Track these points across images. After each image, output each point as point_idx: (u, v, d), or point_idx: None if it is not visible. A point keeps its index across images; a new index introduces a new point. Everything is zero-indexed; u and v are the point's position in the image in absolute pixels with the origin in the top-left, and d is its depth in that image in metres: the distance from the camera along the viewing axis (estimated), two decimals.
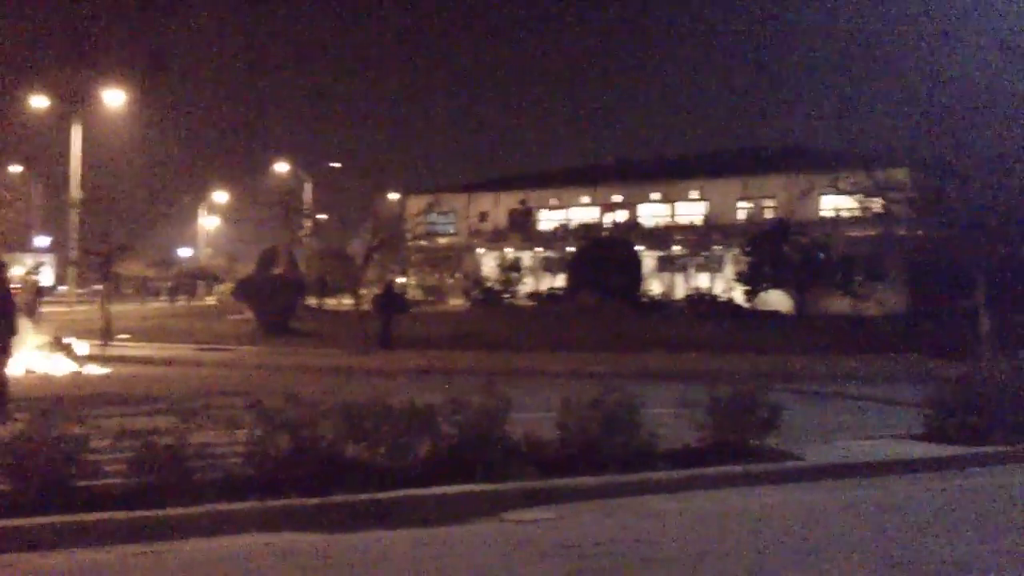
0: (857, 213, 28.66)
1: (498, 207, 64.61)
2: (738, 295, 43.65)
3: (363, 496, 6.72)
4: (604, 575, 5.59)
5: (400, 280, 41.90)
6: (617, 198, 60.88)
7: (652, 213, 60.12)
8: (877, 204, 22.19)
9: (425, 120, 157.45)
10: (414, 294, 45.62)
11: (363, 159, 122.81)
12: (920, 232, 23.77)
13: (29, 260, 45.54)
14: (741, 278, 42.92)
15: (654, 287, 51.87)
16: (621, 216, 60.64)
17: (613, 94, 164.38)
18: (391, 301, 23.94)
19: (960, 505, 7.73)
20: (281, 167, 54.28)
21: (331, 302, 38.62)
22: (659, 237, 56.13)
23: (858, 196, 23.20)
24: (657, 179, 59.31)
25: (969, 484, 8.48)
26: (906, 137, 20.19)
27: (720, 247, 53.60)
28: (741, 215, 55.84)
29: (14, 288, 14.49)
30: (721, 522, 6.90)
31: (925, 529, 6.82)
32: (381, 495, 6.77)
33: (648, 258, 52.36)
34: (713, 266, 54.67)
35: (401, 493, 6.84)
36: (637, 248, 47.84)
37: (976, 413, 9.78)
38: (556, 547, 6.10)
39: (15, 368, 15.91)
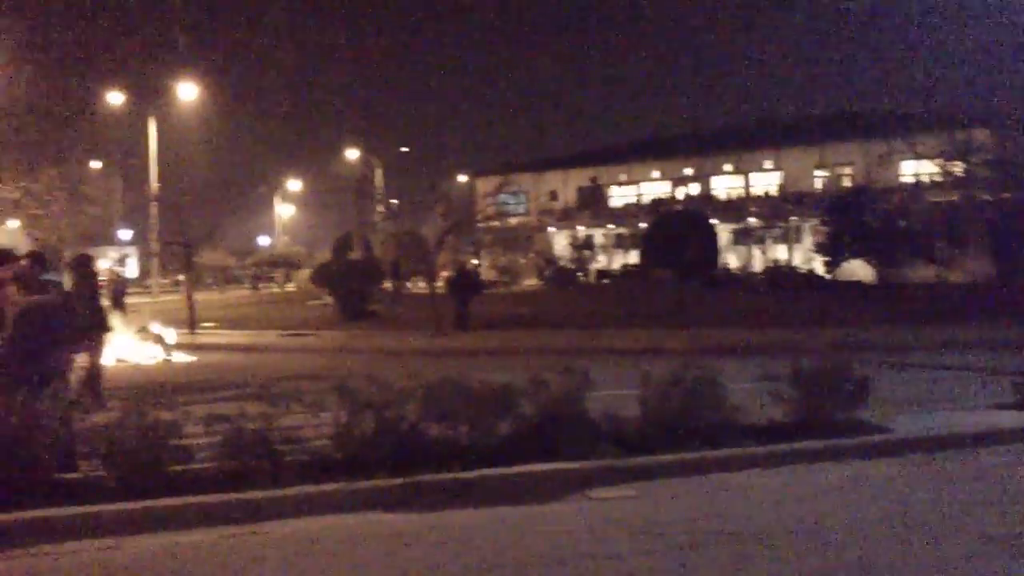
0: (938, 178, 27.77)
1: (568, 185, 64.40)
2: (818, 266, 42.78)
3: (447, 475, 6.78)
4: (692, 551, 5.54)
5: (472, 262, 42.14)
6: (689, 171, 60.13)
7: (726, 185, 59.24)
8: (958, 168, 21.45)
9: (491, 100, 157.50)
10: (487, 275, 45.84)
11: (431, 143, 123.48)
12: (1005, 195, 22.93)
13: (113, 253, 47.06)
14: (820, 249, 41.98)
15: (730, 261, 51.18)
16: (693, 189, 59.88)
17: (681, 65, 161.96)
18: (466, 283, 24.06)
19: None
20: (352, 153, 54.94)
21: (405, 286, 39.08)
22: (734, 209, 55.32)
23: (938, 160, 22.46)
24: (730, 150, 58.38)
25: None
26: (988, 97, 19.48)
27: (797, 218, 52.53)
28: (818, 184, 54.64)
29: (100, 281, 15.05)
30: (809, 498, 6.77)
31: (1019, 501, 6.60)
32: (464, 474, 6.82)
33: (723, 231, 51.62)
34: (791, 237, 53.62)
35: (484, 472, 6.89)
36: (711, 221, 47.20)
37: None
38: (643, 524, 6.07)
39: (107, 358, 16.49)
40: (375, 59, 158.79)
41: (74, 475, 6.75)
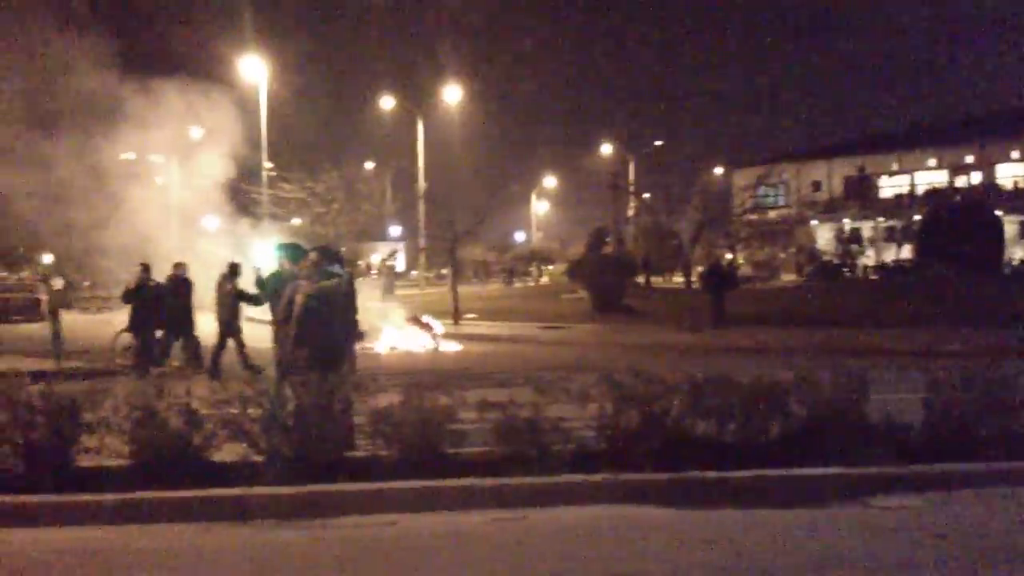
0: None
1: (832, 175, 61.25)
2: None
3: (713, 474, 6.62)
4: (987, 567, 5.05)
5: (727, 256, 41.10)
6: (969, 158, 55.27)
7: (1013, 173, 53.93)
8: None
9: (750, 90, 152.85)
10: (744, 270, 44.56)
11: (687, 135, 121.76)
12: None
13: (384, 248, 50.34)
14: None
15: (1017, 255, 46.60)
16: (975, 178, 55.03)
17: (959, 43, 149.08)
18: (722, 278, 23.49)
19: None
20: (606, 148, 55.30)
21: (656, 280, 38.85)
22: (1023, 199, 50.25)
23: None
24: (1017, 134, 52.99)
25: None
26: None
27: None
28: None
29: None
30: None
31: None
32: (735, 474, 6.62)
33: (1010, 223, 47.04)
34: None
35: (753, 472, 6.65)
36: (996, 212, 43.17)
37: None
38: (931, 535, 5.61)
39: (380, 346, 17.65)
40: (632, 53, 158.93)
41: (356, 454, 7.21)
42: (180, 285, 14.63)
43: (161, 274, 14.75)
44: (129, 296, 14.21)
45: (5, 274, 42.13)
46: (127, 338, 14.52)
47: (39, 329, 15.22)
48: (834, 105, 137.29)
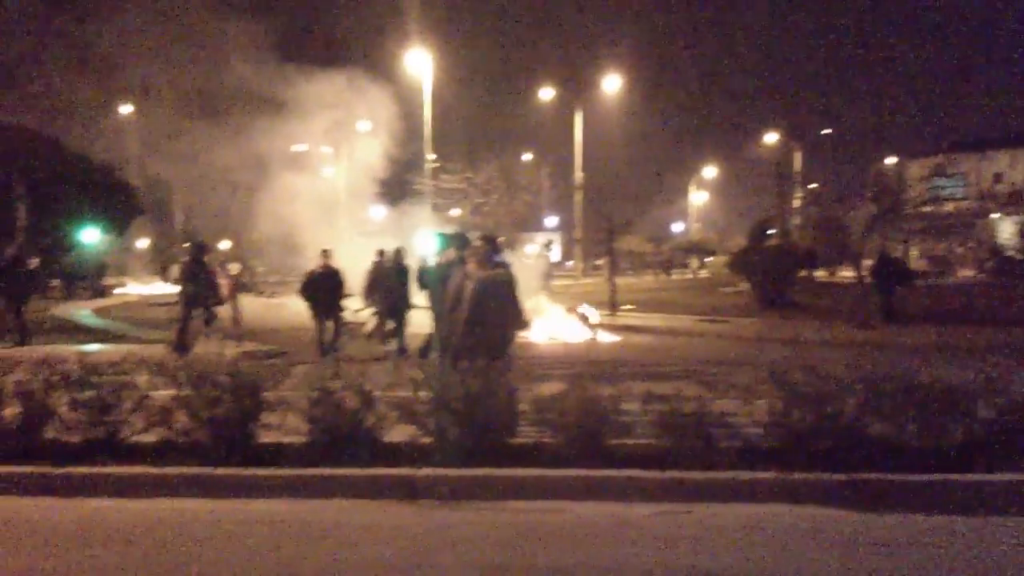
0: None
1: (1016, 165, 57.29)
2: None
3: (893, 476, 6.29)
4: None
5: (897, 249, 39.07)
6: None
7: None
8: None
9: (925, 76, 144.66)
10: (917, 265, 42.28)
11: (857, 124, 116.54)
12: None
13: (540, 238, 50.70)
14: None
15: None
16: None
17: None
18: (894, 272, 22.34)
19: None
20: (770, 137, 53.66)
21: (820, 273, 37.33)
22: None
23: None
24: None
25: None
26: None
27: None
28: None
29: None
30: None
31: None
32: (914, 477, 6.28)
33: None
34: None
35: (938, 477, 6.28)
36: None
37: None
38: None
39: (538, 335, 17.78)
40: (796, 38, 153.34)
41: (519, 440, 7.27)
42: (400, 270, 15.29)
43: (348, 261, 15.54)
44: (316, 285, 14.80)
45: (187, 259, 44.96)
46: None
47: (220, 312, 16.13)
48: (1019, 91, 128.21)
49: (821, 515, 6.05)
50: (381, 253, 15.93)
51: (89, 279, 41.07)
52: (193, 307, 15.21)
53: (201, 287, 15.16)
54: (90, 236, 30.62)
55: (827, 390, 6.74)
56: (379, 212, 34.12)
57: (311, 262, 15.18)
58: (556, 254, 54.65)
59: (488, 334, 8.12)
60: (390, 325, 15.33)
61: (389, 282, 15.19)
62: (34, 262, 18.01)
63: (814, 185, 34.07)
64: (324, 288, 14.60)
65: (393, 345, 14.98)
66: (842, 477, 6.30)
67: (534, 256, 30.94)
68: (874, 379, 6.87)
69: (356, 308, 16.12)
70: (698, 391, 6.92)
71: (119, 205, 29.19)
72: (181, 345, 14.52)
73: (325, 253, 14.94)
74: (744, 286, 29.22)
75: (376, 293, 15.55)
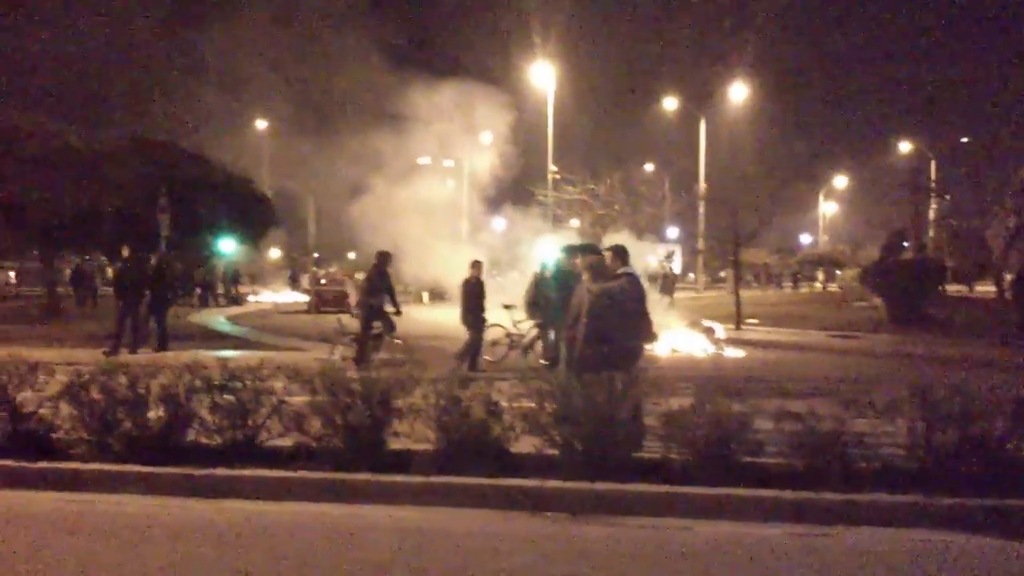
0: None
1: None
2: None
3: None
4: None
5: None
6: None
7: None
8: None
9: None
10: None
11: (996, 130, 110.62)
12: None
13: (661, 250, 50.05)
14: None
15: None
16: None
17: None
18: None
19: None
20: (904, 146, 51.57)
21: (957, 288, 35.55)
22: None
23: None
24: None
25: None
26: None
27: None
28: None
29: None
30: None
31: None
32: None
33: None
34: None
35: None
36: None
37: None
38: None
39: (661, 348, 17.54)
40: (932, 43, 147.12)
41: (645, 455, 7.17)
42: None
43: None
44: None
45: (316, 270, 46.53)
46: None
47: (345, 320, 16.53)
48: None
49: (970, 543, 5.74)
50: (543, 266, 15.65)
51: (225, 287, 43.00)
52: (374, 319, 15.27)
53: (382, 299, 15.25)
54: (227, 246, 31.99)
55: (973, 410, 6.41)
56: (500, 224, 34.41)
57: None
58: (677, 266, 53.88)
59: (609, 346, 8.05)
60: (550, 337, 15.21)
61: (548, 293, 15.04)
62: (176, 270, 18.91)
63: (947, 196, 32.51)
64: (473, 296, 14.93)
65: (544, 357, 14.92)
66: (989, 503, 5.98)
67: (655, 268, 30.65)
68: (1023, 399, 6.50)
69: (517, 320, 16.16)
70: (832, 409, 6.68)
71: (255, 216, 30.36)
72: (362, 358, 14.34)
73: (475, 265, 15.20)
74: (876, 300, 28.09)
75: (538, 306, 15.25)
